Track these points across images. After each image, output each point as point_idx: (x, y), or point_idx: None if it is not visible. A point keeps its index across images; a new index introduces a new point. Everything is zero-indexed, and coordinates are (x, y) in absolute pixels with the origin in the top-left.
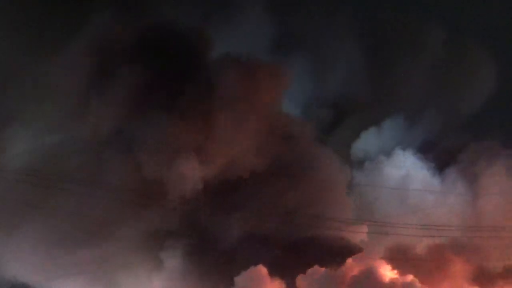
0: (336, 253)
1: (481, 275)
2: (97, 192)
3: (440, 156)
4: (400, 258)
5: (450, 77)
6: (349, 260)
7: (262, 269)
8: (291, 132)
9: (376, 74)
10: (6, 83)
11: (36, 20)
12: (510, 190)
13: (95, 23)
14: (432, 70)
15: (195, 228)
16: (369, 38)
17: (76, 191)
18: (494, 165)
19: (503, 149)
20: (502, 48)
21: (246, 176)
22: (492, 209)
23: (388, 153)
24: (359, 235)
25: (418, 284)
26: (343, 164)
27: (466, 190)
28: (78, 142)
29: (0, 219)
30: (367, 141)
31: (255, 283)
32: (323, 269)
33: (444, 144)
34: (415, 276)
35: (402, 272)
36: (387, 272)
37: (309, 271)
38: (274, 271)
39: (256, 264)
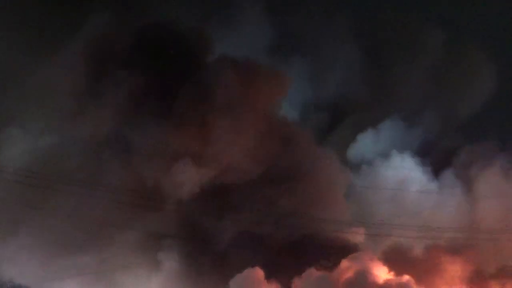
0: (333, 253)
1: (477, 277)
2: (96, 193)
3: (438, 158)
4: (396, 259)
5: (448, 79)
6: (345, 261)
7: (258, 271)
8: (289, 135)
9: (374, 75)
10: (5, 84)
11: (35, 20)
12: (506, 192)
13: (94, 23)
14: (431, 71)
15: (192, 230)
16: (368, 39)
17: (75, 192)
18: (490, 167)
19: (500, 151)
20: (501, 49)
21: (244, 179)
22: (489, 211)
23: (385, 155)
24: (356, 237)
25: (413, 285)
26: (341, 166)
27: (463, 192)
28: (77, 143)
29: None
30: (365, 143)
31: (250, 285)
32: (319, 272)
33: (441, 145)
34: (412, 277)
35: (399, 273)
36: (382, 273)
37: (305, 273)
38: (270, 273)
39: (252, 266)
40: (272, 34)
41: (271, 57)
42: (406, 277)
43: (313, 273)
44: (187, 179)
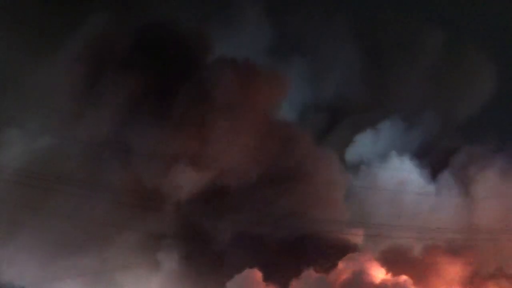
0: (331, 254)
1: (475, 277)
2: (95, 194)
3: (437, 158)
4: (394, 260)
5: (448, 79)
6: (342, 262)
7: (256, 273)
8: (289, 135)
9: (373, 75)
10: (5, 84)
11: (34, 20)
12: (505, 193)
13: (94, 23)
14: (430, 71)
15: (191, 231)
16: (367, 39)
17: (75, 193)
18: (489, 168)
19: (498, 152)
20: (501, 51)
21: (243, 180)
22: (487, 212)
23: (384, 156)
24: (355, 238)
25: (411, 285)
26: (340, 166)
27: (462, 193)
28: (77, 144)
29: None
30: (363, 143)
31: (248, 287)
32: (317, 273)
33: (441, 146)
34: (410, 277)
35: (397, 274)
36: (380, 274)
37: (303, 274)
38: (268, 274)
39: (251, 267)
40: (272, 34)
41: (271, 57)
42: (403, 277)
43: (311, 274)
44: (186, 180)
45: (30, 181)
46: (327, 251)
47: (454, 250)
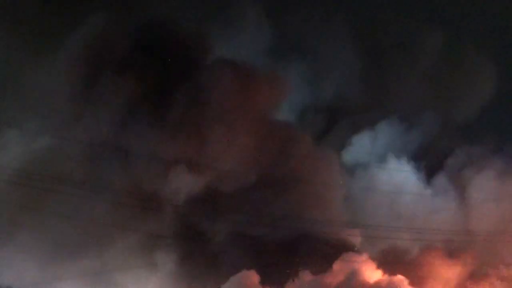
0: (327, 256)
1: (472, 278)
2: (94, 195)
3: (434, 160)
4: (390, 260)
5: (446, 80)
6: (338, 264)
7: (251, 275)
8: (287, 137)
9: (372, 76)
10: (4, 85)
11: (33, 20)
12: (502, 195)
13: (92, 22)
14: (429, 72)
15: (189, 233)
16: (366, 40)
17: (73, 193)
18: (486, 170)
19: (496, 153)
20: (500, 51)
21: (241, 183)
22: (484, 214)
23: (382, 158)
24: (351, 239)
25: (406, 285)
26: (338, 168)
27: (459, 195)
28: (76, 145)
29: None
30: (361, 144)
31: None
32: (313, 275)
33: (439, 147)
34: (406, 278)
35: (393, 275)
36: (375, 274)
37: (299, 277)
38: (264, 276)
39: (247, 268)
40: (272, 34)
41: (270, 57)
42: (399, 277)
43: (306, 276)
44: (185, 183)
45: (29, 181)
46: (324, 253)
47: (450, 252)
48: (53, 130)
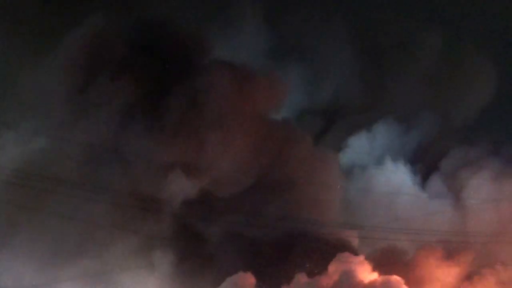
0: (323, 257)
1: (469, 280)
2: (93, 195)
3: (431, 161)
4: (386, 261)
5: (446, 81)
6: (333, 264)
7: (247, 277)
8: (286, 137)
9: (370, 76)
10: (1, 85)
11: (31, 21)
12: (498, 196)
13: (90, 23)
14: (427, 73)
15: (186, 234)
16: (365, 40)
17: (72, 194)
18: (482, 171)
19: (493, 154)
20: (500, 52)
21: (238, 187)
22: (481, 215)
23: (379, 159)
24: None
25: (402, 286)
26: (338, 170)
27: (454, 197)
28: (74, 146)
29: None
30: (358, 146)
31: None
32: (308, 278)
33: (436, 149)
34: (402, 278)
35: (388, 275)
36: (370, 275)
37: (294, 279)
38: (260, 278)
39: (244, 271)
40: (270, 35)
41: (269, 58)
42: (394, 277)
43: (302, 278)
44: (182, 187)
45: (27, 182)
46: (321, 252)
47: (447, 253)
48: (51, 131)
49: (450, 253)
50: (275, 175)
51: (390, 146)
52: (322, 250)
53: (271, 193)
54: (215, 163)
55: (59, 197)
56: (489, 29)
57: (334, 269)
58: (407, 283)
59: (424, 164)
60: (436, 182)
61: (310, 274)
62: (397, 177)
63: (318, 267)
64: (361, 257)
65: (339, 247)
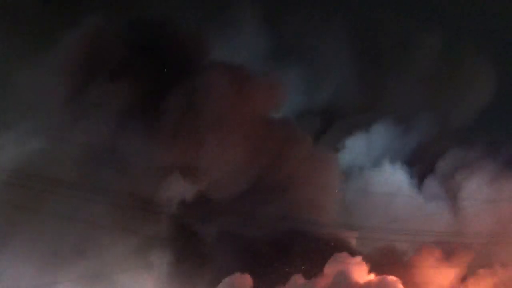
0: (321, 258)
1: (465, 280)
2: (91, 196)
3: (429, 162)
4: (383, 262)
5: (444, 82)
6: (329, 264)
7: (245, 278)
8: (286, 138)
9: (369, 77)
10: (1, 86)
11: (29, 21)
12: (495, 197)
13: (88, 23)
14: (426, 74)
15: (184, 235)
16: (364, 41)
17: (70, 195)
18: (478, 172)
19: (489, 156)
20: (500, 52)
21: (236, 190)
22: (478, 216)
23: (376, 158)
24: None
25: (397, 285)
26: (338, 170)
27: (452, 198)
28: (72, 147)
29: None
30: (356, 146)
31: None
32: (305, 279)
33: (433, 150)
34: (399, 279)
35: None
36: (364, 274)
37: (290, 281)
38: (257, 279)
39: (241, 272)
40: (269, 36)
41: (267, 59)
42: (391, 277)
43: (298, 280)
44: (179, 190)
45: (26, 182)
46: (318, 251)
47: (444, 254)
48: (50, 131)
49: (447, 253)
50: (274, 176)
51: (388, 147)
52: (319, 251)
53: (270, 193)
54: (214, 165)
55: (58, 198)
56: (488, 29)
57: (330, 269)
58: (404, 283)
59: (422, 165)
60: (433, 183)
61: (307, 275)
62: (394, 178)
63: (315, 268)
64: (359, 258)
65: (337, 248)
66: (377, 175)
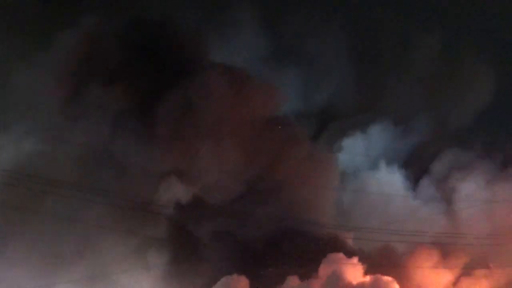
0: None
1: (462, 280)
2: (89, 197)
3: (424, 164)
4: (379, 262)
5: (442, 83)
6: (325, 266)
7: (241, 280)
8: (285, 138)
9: (367, 78)
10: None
11: (27, 21)
12: (491, 198)
13: (86, 23)
14: (424, 75)
15: (180, 236)
16: (362, 42)
17: (69, 196)
18: (473, 174)
19: (486, 157)
20: (499, 52)
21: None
22: (473, 217)
23: (373, 160)
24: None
25: (392, 285)
26: (337, 171)
27: (446, 199)
28: (69, 148)
29: None
30: (353, 147)
31: None
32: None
33: (429, 151)
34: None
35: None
36: (359, 274)
37: (286, 282)
38: (253, 280)
39: (238, 274)
40: (267, 38)
41: (266, 60)
42: (386, 278)
43: (293, 281)
44: (174, 195)
45: (24, 183)
46: (314, 251)
47: (440, 255)
48: (49, 132)
49: (443, 254)
50: (272, 176)
51: (385, 148)
52: (316, 251)
53: (268, 194)
54: (212, 166)
55: (57, 198)
56: (488, 29)
57: (325, 270)
58: (400, 284)
59: (419, 166)
60: (430, 184)
61: (303, 277)
62: (391, 179)
63: (311, 269)
64: (355, 259)
65: (334, 248)
66: (374, 176)
